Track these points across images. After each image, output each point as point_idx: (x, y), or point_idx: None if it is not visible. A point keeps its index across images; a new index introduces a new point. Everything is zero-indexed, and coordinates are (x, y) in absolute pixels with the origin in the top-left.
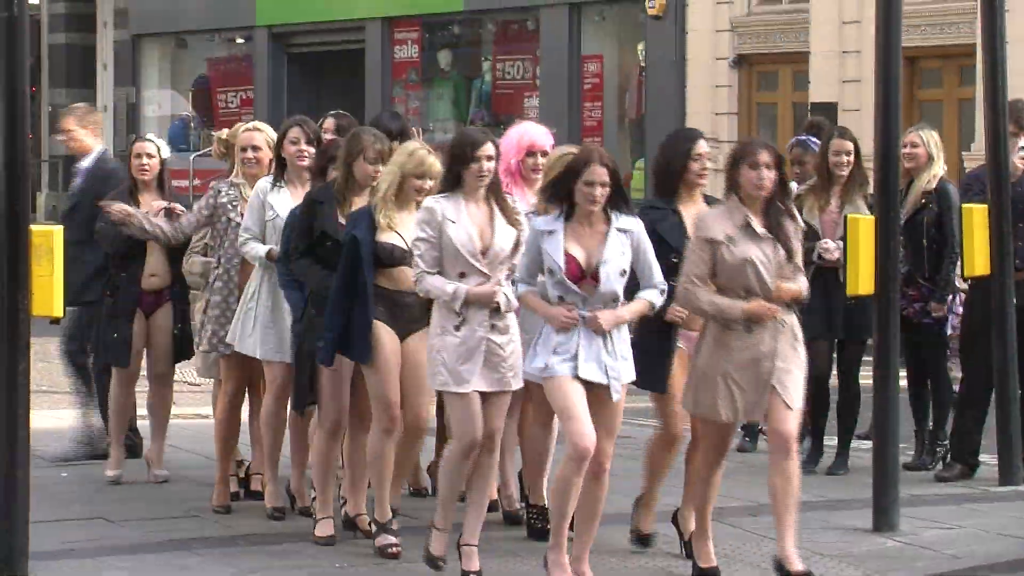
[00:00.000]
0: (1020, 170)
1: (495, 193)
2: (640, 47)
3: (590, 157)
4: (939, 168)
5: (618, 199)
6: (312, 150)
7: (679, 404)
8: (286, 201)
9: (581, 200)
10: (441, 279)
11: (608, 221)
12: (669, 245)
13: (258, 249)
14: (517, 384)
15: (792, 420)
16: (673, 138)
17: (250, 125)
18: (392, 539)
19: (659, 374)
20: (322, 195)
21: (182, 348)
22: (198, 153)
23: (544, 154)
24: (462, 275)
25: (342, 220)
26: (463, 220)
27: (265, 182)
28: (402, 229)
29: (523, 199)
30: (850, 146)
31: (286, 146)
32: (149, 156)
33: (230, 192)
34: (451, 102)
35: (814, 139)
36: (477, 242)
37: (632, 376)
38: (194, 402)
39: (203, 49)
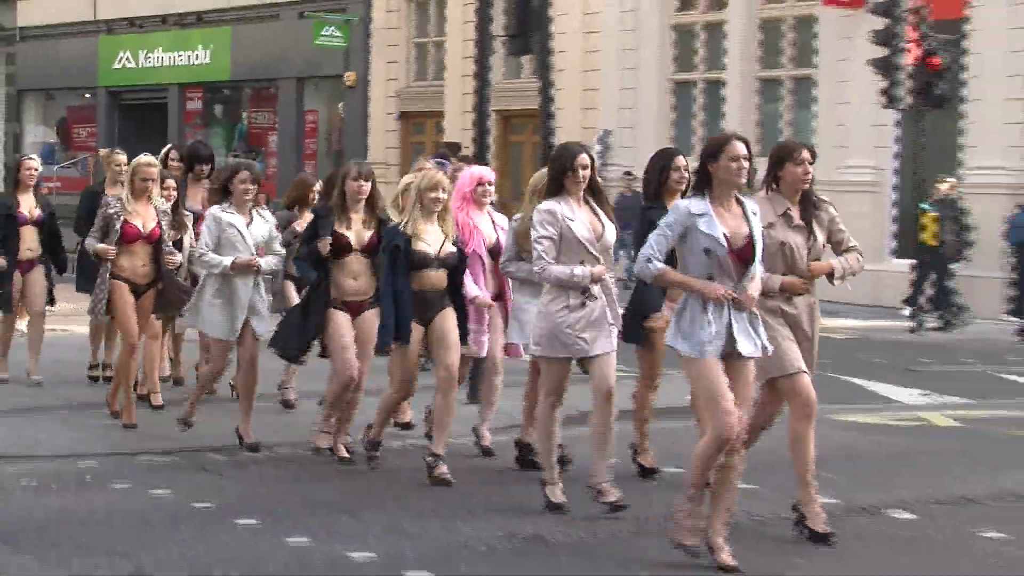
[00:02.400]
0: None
1: (592, 194)
2: (340, 105)
3: (727, 137)
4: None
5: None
6: (255, 188)
7: (659, 354)
8: (239, 221)
9: (727, 176)
10: (563, 267)
11: (740, 204)
12: None
13: (213, 259)
14: (615, 345)
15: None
16: (658, 156)
17: (149, 160)
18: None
19: (642, 331)
20: (323, 211)
21: (48, 298)
22: (61, 166)
23: (491, 184)
24: (581, 262)
25: (339, 228)
26: (579, 217)
27: (218, 209)
28: (428, 238)
29: (480, 217)
30: (462, 164)
31: (235, 184)
32: (31, 169)
33: (116, 205)
34: (222, 138)
35: (445, 160)
36: (593, 233)
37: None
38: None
39: (64, 100)
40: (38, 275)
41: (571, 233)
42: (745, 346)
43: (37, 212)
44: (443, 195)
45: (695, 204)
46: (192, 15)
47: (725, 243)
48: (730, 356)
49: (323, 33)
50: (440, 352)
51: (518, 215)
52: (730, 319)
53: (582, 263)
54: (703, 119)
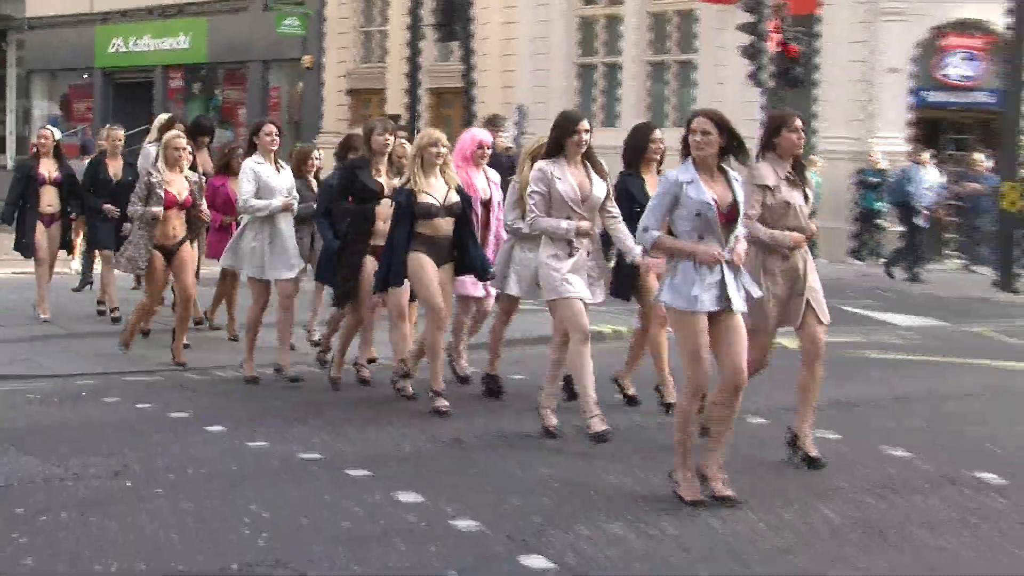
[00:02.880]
0: (501, 148)
1: (588, 156)
2: (299, 84)
3: (694, 112)
4: None
5: (729, 154)
6: (278, 139)
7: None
8: (269, 169)
9: (693, 149)
10: (551, 220)
11: (724, 172)
12: (635, 199)
13: (257, 204)
14: (602, 298)
15: (823, 331)
16: (636, 129)
17: (177, 133)
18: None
19: (628, 286)
20: (358, 163)
21: (64, 246)
22: (64, 135)
23: (488, 146)
24: (568, 218)
25: (374, 175)
26: (567, 178)
27: (251, 161)
28: (433, 191)
29: (476, 175)
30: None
31: (262, 136)
32: (46, 137)
33: (157, 175)
34: (199, 110)
35: None
36: (578, 193)
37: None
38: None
39: (66, 79)
40: (56, 228)
41: (557, 192)
42: (737, 302)
43: (56, 174)
44: (443, 149)
45: (683, 172)
46: (174, 7)
47: (714, 205)
48: (721, 311)
49: (284, 23)
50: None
51: (517, 178)
52: (723, 277)
53: (568, 218)
54: (602, 96)
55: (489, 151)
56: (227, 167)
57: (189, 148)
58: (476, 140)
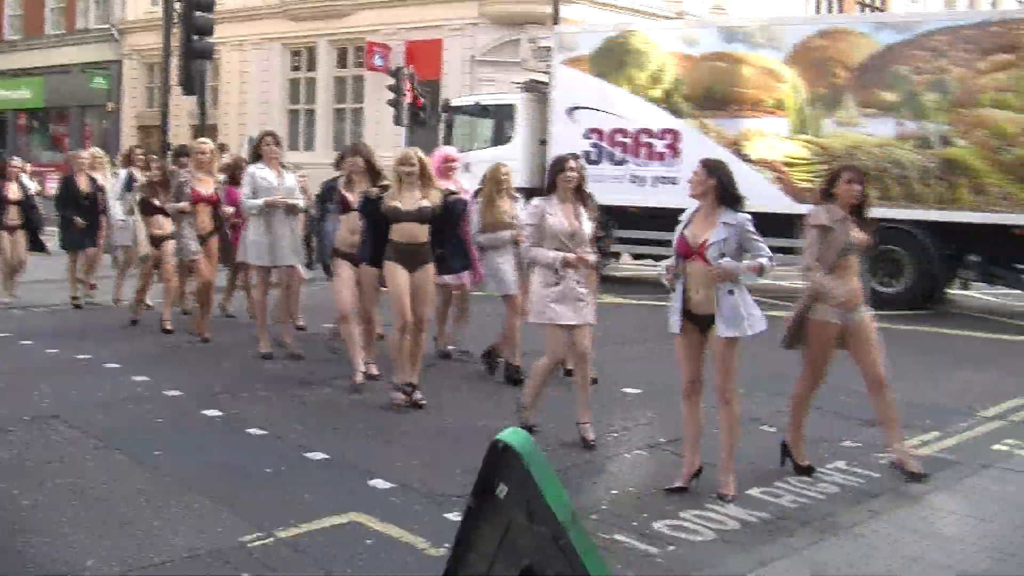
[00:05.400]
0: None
1: (578, 194)
2: (104, 122)
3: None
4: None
5: (728, 200)
6: (278, 148)
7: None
8: (270, 174)
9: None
10: (543, 250)
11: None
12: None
13: (251, 202)
14: (592, 320)
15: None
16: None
17: (204, 140)
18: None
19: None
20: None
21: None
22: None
23: (455, 161)
24: (557, 249)
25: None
26: (558, 214)
27: (253, 167)
28: (403, 198)
29: (446, 184)
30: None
31: (263, 147)
32: (16, 166)
33: (186, 175)
34: (39, 140)
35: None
36: (568, 228)
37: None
38: None
39: None
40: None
41: (549, 226)
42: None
43: (18, 195)
44: (410, 167)
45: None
46: (21, 70)
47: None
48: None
49: (94, 81)
50: (415, 303)
51: (478, 198)
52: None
53: (557, 249)
54: (304, 131)
55: (456, 164)
56: (233, 178)
57: (213, 153)
58: (442, 156)
